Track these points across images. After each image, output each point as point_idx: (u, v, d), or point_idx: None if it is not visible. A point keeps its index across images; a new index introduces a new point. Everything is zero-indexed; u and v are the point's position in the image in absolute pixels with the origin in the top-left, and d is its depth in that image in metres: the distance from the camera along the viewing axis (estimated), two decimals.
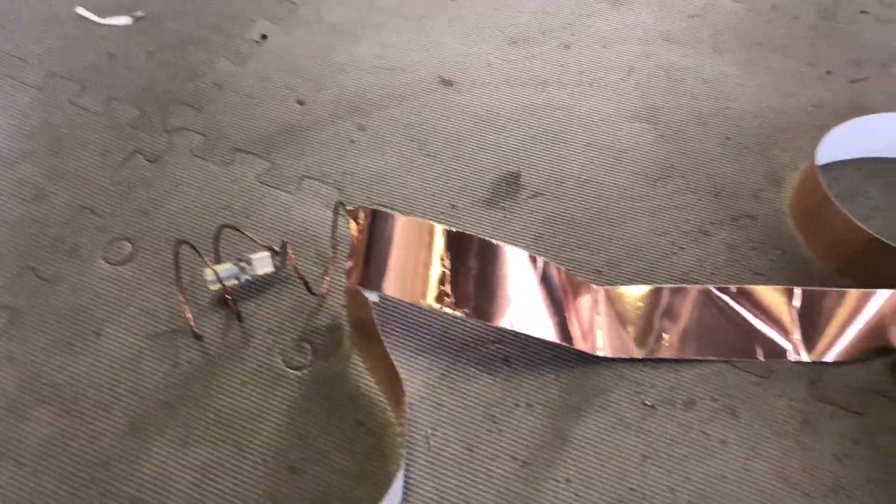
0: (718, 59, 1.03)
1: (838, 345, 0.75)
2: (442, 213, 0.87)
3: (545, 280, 0.73)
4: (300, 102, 0.97)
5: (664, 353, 0.75)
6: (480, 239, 0.72)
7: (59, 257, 0.82)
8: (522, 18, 1.07)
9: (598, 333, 0.76)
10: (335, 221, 0.81)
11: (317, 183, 0.89)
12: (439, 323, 0.78)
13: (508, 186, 0.89)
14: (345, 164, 0.91)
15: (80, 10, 1.05)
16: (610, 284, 0.81)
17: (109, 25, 1.04)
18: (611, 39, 1.05)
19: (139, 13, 1.05)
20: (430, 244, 0.71)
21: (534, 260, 0.73)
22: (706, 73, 1.01)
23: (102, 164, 0.90)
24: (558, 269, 0.75)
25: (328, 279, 0.81)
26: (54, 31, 1.03)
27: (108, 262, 0.82)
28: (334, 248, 0.83)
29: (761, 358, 0.75)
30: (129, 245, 0.83)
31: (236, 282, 0.78)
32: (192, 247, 0.73)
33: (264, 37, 1.03)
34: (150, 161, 0.91)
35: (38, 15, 1.05)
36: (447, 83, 0.99)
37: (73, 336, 0.77)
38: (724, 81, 1.00)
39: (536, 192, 0.89)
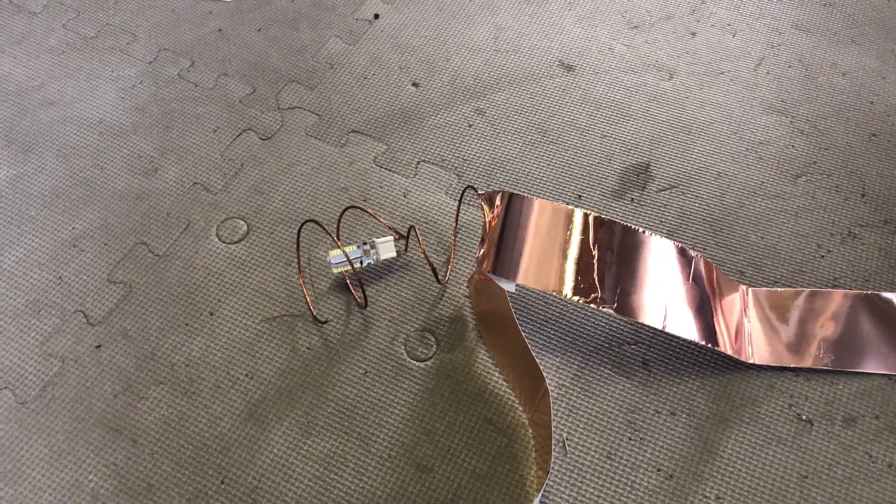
0: (857, 51, 0.96)
1: None
2: (568, 203, 0.82)
3: (695, 276, 0.68)
4: (415, 84, 0.93)
5: (820, 364, 0.69)
6: (625, 226, 0.67)
7: (173, 233, 0.79)
8: (644, 3, 1.02)
9: (746, 338, 0.70)
10: (459, 207, 0.77)
11: (435, 167, 0.85)
12: (569, 318, 0.73)
13: (637, 177, 0.84)
14: (463, 149, 0.86)
15: None
16: (756, 286, 0.75)
17: (218, 1, 1.01)
18: (739, 27, 0.99)
19: None
20: (569, 230, 0.66)
21: (683, 253, 0.68)
22: (844, 66, 0.94)
23: (214, 140, 0.87)
24: (707, 264, 0.70)
25: (450, 267, 0.76)
26: (162, 5, 1.00)
27: (222, 241, 0.79)
28: (456, 234, 0.79)
29: None
30: (244, 224, 0.80)
31: (359, 266, 0.74)
32: (321, 225, 0.69)
33: (377, 16, 0.99)
34: (262, 139, 0.87)
35: None
36: (567, 68, 0.94)
37: (188, 315, 0.74)
38: (864, 75, 0.93)
39: (668, 185, 0.83)
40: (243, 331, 0.73)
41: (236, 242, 0.79)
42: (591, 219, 0.66)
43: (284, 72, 0.94)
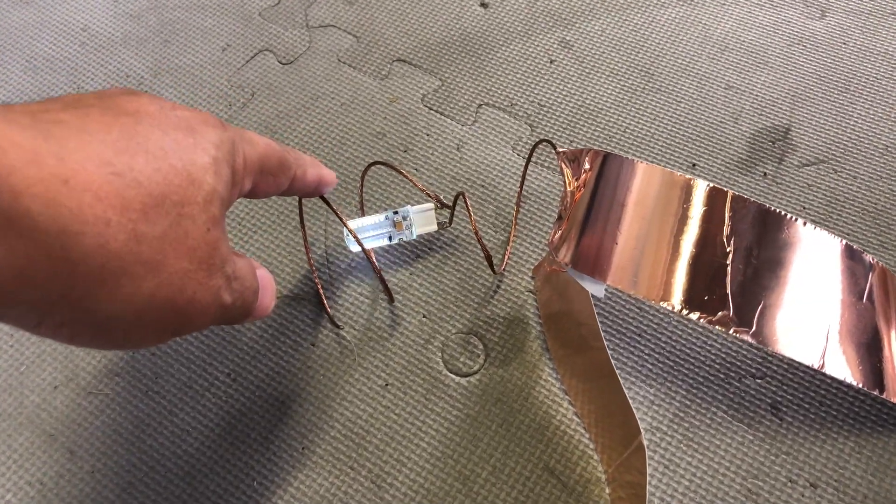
0: None
1: None
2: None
3: (869, 290, 0.47)
4: (483, 5, 0.72)
5: None
6: (771, 212, 0.46)
7: None
8: None
9: None
10: (526, 168, 0.57)
11: (501, 114, 0.65)
12: (672, 333, 0.53)
13: (773, 145, 0.62)
14: (540, 91, 0.66)
15: None
16: None
17: None
18: None
19: None
20: (686, 210, 0.45)
21: (854, 256, 0.47)
22: None
23: (222, 60, 0.68)
24: (887, 273, 0.48)
25: (509, 250, 0.57)
26: None
27: None
28: (519, 206, 0.59)
29: None
30: None
31: (387, 242, 0.55)
32: (324, 199, 0.48)
33: None
34: (283, 63, 0.68)
35: None
36: None
37: None
38: None
39: (815, 159, 0.61)
40: None
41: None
42: (728, 197, 0.45)
43: None
